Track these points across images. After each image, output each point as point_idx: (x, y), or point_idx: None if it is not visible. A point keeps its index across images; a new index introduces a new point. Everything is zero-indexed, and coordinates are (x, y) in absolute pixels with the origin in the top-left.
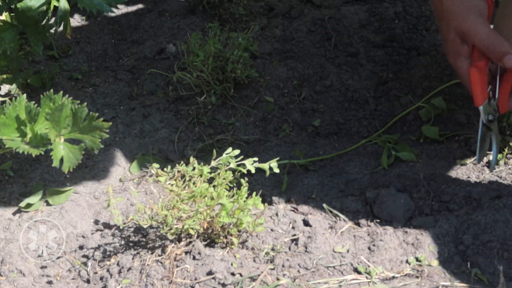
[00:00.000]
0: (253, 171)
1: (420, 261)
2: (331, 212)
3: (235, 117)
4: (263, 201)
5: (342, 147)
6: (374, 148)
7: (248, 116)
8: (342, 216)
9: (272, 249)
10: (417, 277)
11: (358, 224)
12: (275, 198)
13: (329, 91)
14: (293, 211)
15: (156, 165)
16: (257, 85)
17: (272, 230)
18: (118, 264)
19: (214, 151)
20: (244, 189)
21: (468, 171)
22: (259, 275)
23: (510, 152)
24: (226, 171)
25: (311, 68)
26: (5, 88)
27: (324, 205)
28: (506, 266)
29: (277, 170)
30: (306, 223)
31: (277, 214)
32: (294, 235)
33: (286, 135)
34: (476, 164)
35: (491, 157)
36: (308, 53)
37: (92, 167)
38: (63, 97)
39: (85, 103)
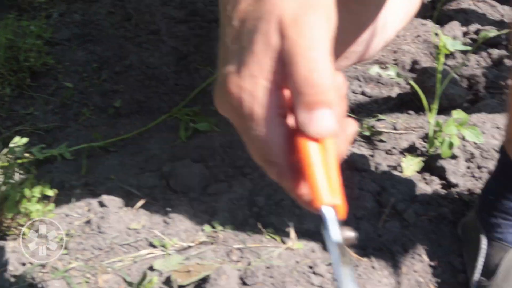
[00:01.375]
0: (41, 158)
1: (214, 227)
2: (128, 190)
3: (34, 107)
4: (62, 187)
5: (143, 125)
6: (174, 122)
7: (47, 104)
8: (138, 193)
9: (67, 234)
10: (212, 243)
11: (154, 199)
12: (74, 183)
13: (129, 70)
14: (90, 194)
15: None
16: (56, 72)
17: (67, 215)
18: None
19: (0, 142)
20: (31, 177)
21: None
22: (49, 262)
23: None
24: (14, 161)
25: (111, 49)
26: None
27: (120, 184)
28: (297, 222)
29: (68, 156)
30: (101, 204)
31: (73, 199)
32: (88, 217)
33: (86, 119)
34: None
35: None
36: (107, 35)
37: None
38: None
39: None
